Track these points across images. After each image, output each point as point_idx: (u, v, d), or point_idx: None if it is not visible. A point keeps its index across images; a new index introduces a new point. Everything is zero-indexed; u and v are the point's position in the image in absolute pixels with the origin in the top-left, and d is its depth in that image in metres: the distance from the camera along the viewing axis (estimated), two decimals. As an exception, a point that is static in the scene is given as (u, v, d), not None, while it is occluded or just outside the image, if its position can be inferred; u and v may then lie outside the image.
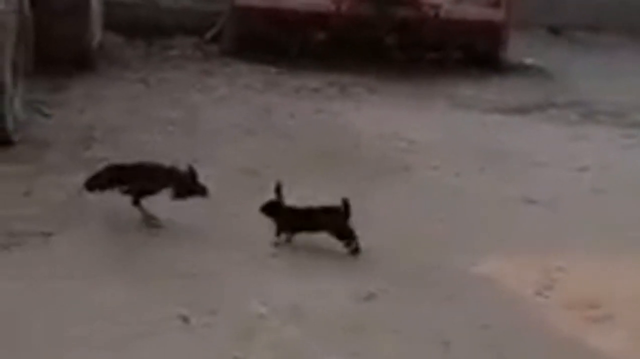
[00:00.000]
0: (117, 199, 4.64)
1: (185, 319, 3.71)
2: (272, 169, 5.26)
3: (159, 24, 7.51)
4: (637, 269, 4.33)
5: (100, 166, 4.67)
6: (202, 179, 4.61)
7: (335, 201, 4.78)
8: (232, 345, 3.57)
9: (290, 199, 4.80)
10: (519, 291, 4.08)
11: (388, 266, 4.24)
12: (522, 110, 6.59)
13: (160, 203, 4.62)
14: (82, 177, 4.69)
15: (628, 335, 3.80)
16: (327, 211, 4.37)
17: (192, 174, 4.55)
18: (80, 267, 4.06)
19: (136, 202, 4.47)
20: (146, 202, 4.50)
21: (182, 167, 4.62)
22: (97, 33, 6.73)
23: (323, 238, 4.37)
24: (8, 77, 5.17)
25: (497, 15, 7.18)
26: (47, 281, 3.91)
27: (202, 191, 4.52)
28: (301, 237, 4.40)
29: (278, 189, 4.43)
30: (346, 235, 4.31)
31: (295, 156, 5.57)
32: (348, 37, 7.13)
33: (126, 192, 4.49)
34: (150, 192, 4.49)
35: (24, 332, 3.58)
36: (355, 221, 4.62)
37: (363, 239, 4.44)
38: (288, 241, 4.35)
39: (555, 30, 8.08)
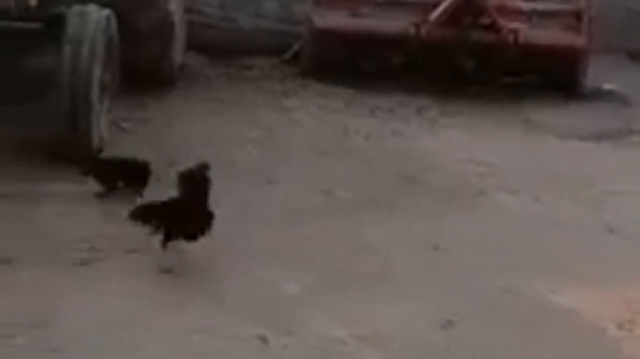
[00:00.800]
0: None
1: (263, 340, 3.76)
2: (348, 191, 5.31)
3: (238, 45, 7.63)
4: None
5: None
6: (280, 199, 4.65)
7: (409, 224, 4.81)
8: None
9: (364, 222, 4.85)
10: (599, 323, 4.02)
11: (466, 292, 4.23)
12: (600, 136, 6.51)
13: (238, 224, 4.70)
14: (164, 195, 4.80)
15: None
16: None
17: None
18: (160, 286, 4.13)
19: None
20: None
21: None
22: (179, 53, 6.88)
23: (396, 264, 4.37)
24: (95, 96, 5.31)
25: (576, 40, 7.12)
26: (127, 299, 3.99)
27: None
28: (378, 259, 4.42)
29: None
30: None
31: (370, 177, 5.60)
32: (426, 60, 7.15)
33: None
34: None
35: (103, 350, 3.65)
36: (432, 245, 4.64)
37: (440, 263, 4.45)
38: None
39: (634, 56, 7.97)
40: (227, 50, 7.55)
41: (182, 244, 4.30)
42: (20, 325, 3.70)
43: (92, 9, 5.25)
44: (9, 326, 3.69)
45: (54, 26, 5.19)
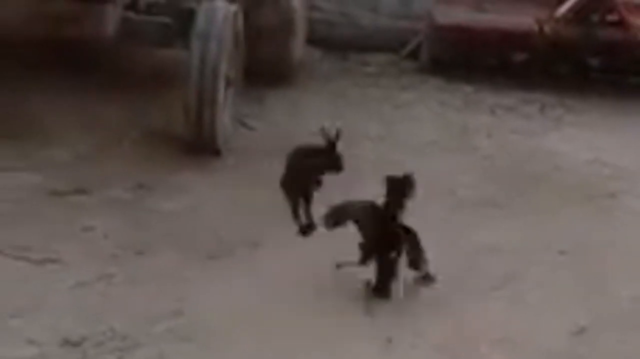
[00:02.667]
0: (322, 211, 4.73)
1: (389, 340, 3.73)
2: (470, 190, 5.22)
3: (356, 40, 7.61)
4: None
5: None
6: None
7: (533, 226, 4.69)
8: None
9: (486, 223, 4.75)
10: None
11: (596, 300, 4.11)
12: None
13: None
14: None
15: None
16: None
17: None
18: (285, 283, 4.15)
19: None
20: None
21: None
22: (299, 49, 6.91)
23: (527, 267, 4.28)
24: (221, 92, 5.37)
25: None
26: (253, 295, 4.01)
27: None
28: (502, 261, 4.33)
29: None
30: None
31: (492, 177, 5.49)
32: (549, 58, 6.98)
33: None
34: None
35: (233, 341, 3.69)
36: (558, 249, 4.52)
37: (566, 268, 4.33)
38: None
39: None
40: (344, 46, 7.54)
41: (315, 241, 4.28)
42: (158, 314, 3.76)
43: (221, 5, 5.31)
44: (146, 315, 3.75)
45: (184, 21, 5.27)
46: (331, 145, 4.62)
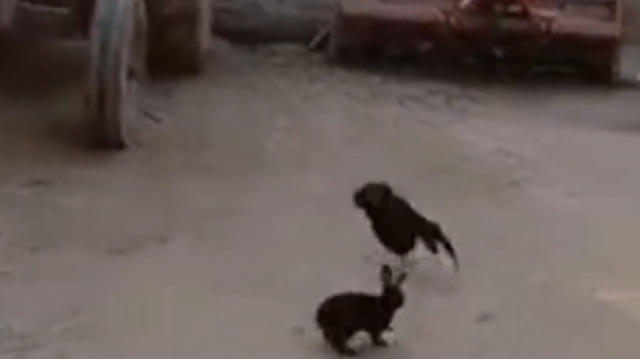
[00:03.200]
0: (230, 205, 4.68)
1: (300, 331, 3.70)
2: (378, 180, 5.23)
3: (264, 31, 7.55)
4: None
5: None
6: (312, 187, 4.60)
7: (441, 215, 4.72)
8: (346, 360, 3.55)
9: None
10: (641, 320, 3.95)
11: (503, 288, 4.16)
12: (633, 128, 6.40)
13: (270, 211, 4.64)
14: (193, 182, 4.77)
15: None
16: None
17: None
18: (195, 275, 4.08)
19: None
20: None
21: None
22: (205, 40, 6.80)
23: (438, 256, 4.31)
24: (123, 82, 5.24)
25: (610, 29, 7.00)
26: (162, 289, 3.94)
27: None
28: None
29: None
30: None
31: (400, 167, 5.52)
32: (455, 48, 7.05)
33: None
34: None
35: (136, 340, 3.61)
36: (467, 238, 4.55)
37: (475, 257, 4.37)
38: None
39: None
40: (252, 37, 7.47)
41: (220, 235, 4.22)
42: (56, 313, 3.65)
43: (122, -6, 5.19)
44: (45, 313, 3.64)
45: (83, 10, 5.12)
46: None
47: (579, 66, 7.09)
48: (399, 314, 3.73)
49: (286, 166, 5.33)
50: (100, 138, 5.16)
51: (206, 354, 3.53)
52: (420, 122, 6.33)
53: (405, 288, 3.77)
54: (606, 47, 6.99)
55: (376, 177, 5.17)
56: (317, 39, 7.51)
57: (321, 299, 3.72)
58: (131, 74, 5.39)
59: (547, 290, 4.13)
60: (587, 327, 3.88)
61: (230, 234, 4.42)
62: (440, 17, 6.97)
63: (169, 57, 6.20)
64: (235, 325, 3.71)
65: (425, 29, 7.04)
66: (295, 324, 3.73)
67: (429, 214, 4.74)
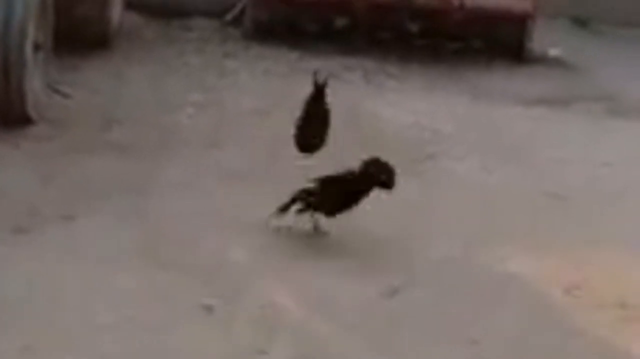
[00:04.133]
0: (140, 182, 4.59)
1: (209, 309, 3.65)
2: (294, 154, 5.20)
3: (178, 6, 7.42)
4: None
5: None
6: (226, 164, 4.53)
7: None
8: (255, 337, 3.51)
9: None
10: (547, 290, 4.01)
11: (412, 260, 4.17)
12: (546, 103, 6.49)
13: (182, 189, 4.57)
14: (103, 159, 4.65)
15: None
16: None
17: None
18: (102, 253, 3.99)
19: None
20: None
21: None
22: (117, 13, 6.65)
23: (345, 228, 4.30)
24: (29, 57, 5.10)
25: (523, 5, 7.07)
26: (69, 266, 3.84)
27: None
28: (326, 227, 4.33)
29: None
30: None
31: (316, 142, 5.49)
32: (370, 23, 7.04)
33: None
34: None
35: (44, 318, 3.52)
36: (381, 211, 4.56)
37: (387, 229, 4.37)
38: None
39: (581, 22, 7.96)
40: (166, 11, 7.33)
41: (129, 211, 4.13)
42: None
43: (26, -35, 5.02)
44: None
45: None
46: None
47: (492, 41, 7.16)
48: (302, 291, 3.73)
49: (199, 143, 5.25)
50: (5, 112, 5.01)
51: (112, 334, 3.46)
52: (336, 97, 6.31)
53: (313, 265, 3.77)
54: (519, 23, 7.06)
55: (291, 153, 5.16)
56: (232, 13, 7.41)
57: (229, 276, 3.69)
58: (37, 47, 5.24)
59: (456, 263, 4.16)
60: (491, 296, 3.93)
61: (138, 212, 4.33)
62: (355, -9, 6.96)
63: (78, 31, 6.05)
64: (141, 303, 3.64)
65: (340, 4, 7.01)
66: (203, 302, 3.67)
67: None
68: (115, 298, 3.66)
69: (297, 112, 5.30)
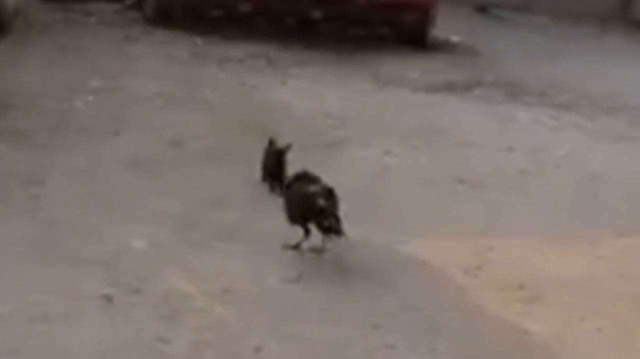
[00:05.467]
0: (37, 169, 4.46)
1: (108, 299, 3.57)
2: (197, 143, 5.13)
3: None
4: (565, 250, 4.36)
5: None
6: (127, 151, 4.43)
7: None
8: (157, 326, 3.45)
9: (215, 175, 4.69)
10: (448, 271, 4.06)
11: (314, 244, 4.15)
12: (448, 88, 6.57)
13: (83, 177, 4.46)
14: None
15: (556, 316, 3.81)
16: None
17: None
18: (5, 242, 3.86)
19: None
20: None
21: None
22: (13, -4, 6.45)
23: (251, 218, 4.26)
24: None
25: (425, -8, 7.15)
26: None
27: None
28: (230, 213, 4.29)
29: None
30: None
31: (221, 129, 5.44)
32: (273, 9, 7.00)
33: None
34: None
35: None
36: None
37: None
38: None
39: (482, 9, 8.10)
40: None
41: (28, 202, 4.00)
42: None
43: None
44: None
45: None
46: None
47: (395, 28, 7.21)
48: (204, 279, 3.67)
49: (98, 129, 5.13)
50: None
51: (12, 327, 3.34)
52: (240, 84, 6.26)
53: (216, 253, 3.72)
54: (421, 9, 7.13)
55: (194, 140, 5.08)
56: (134, -3, 7.28)
57: (131, 266, 3.61)
58: None
59: (358, 245, 4.17)
60: (393, 278, 3.95)
61: (35, 201, 4.20)
62: (256, -24, 6.90)
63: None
64: (41, 294, 3.53)
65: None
66: (103, 292, 3.59)
67: (249, 175, 4.71)
68: (14, 289, 3.54)
69: (198, 96, 5.22)
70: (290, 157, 5.03)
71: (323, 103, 5.98)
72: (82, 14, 7.09)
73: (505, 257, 4.23)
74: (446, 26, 7.31)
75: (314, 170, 4.93)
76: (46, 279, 3.63)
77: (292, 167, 4.88)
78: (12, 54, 6.09)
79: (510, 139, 5.72)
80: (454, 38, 7.43)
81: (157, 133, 5.21)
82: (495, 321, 3.75)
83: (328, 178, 4.85)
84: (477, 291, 3.94)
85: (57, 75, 5.87)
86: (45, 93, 5.53)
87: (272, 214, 4.28)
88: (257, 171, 4.75)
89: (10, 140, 4.82)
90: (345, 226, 4.15)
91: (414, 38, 7.17)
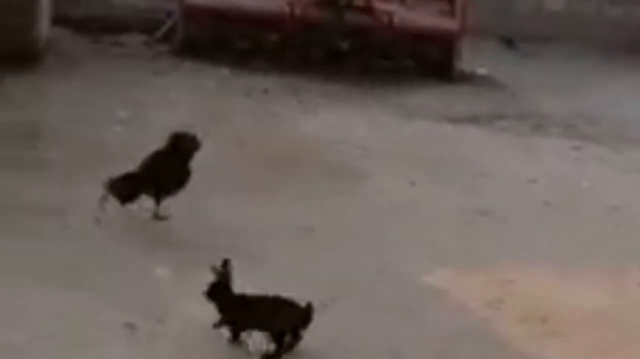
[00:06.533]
0: (61, 200, 4.52)
1: (131, 328, 3.60)
2: (225, 173, 5.18)
3: (108, 21, 7.36)
4: (586, 282, 4.35)
5: None
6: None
7: (286, 207, 4.73)
8: (179, 356, 3.48)
9: (241, 205, 4.74)
10: (470, 303, 4.06)
11: (341, 275, 4.19)
12: (473, 120, 6.59)
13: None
14: (27, 177, 4.57)
15: (578, 350, 3.80)
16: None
17: None
18: (24, 268, 3.92)
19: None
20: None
21: None
22: (44, 27, 6.57)
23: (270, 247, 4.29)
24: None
25: (451, 24, 7.18)
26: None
27: None
28: (254, 241, 4.32)
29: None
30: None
31: (247, 159, 5.49)
32: (301, 40, 7.08)
33: None
34: None
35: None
36: (308, 228, 4.57)
37: (315, 246, 4.38)
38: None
39: (508, 41, 8.11)
40: (96, 27, 7.27)
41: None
42: None
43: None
44: None
45: None
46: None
47: (421, 60, 7.25)
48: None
49: (125, 160, 5.19)
50: None
51: (34, 354, 3.39)
52: (267, 114, 6.32)
53: (240, 275, 3.74)
54: (446, 42, 7.17)
55: (222, 171, 5.13)
56: (162, 30, 7.38)
57: (148, 294, 3.64)
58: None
59: (382, 276, 4.19)
60: (415, 309, 3.96)
61: (58, 231, 4.27)
62: (285, 8, 6.97)
63: (4, 44, 5.95)
64: (63, 322, 3.57)
65: (270, 21, 7.03)
66: (125, 320, 3.63)
67: (275, 205, 4.75)
68: (35, 316, 3.59)
69: (225, 127, 5.28)
70: (316, 186, 5.09)
71: (348, 134, 6.02)
72: (112, 46, 7.19)
73: (527, 290, 4.22)
74: (472, 58, 7.34)
75: (336, 199, 4.99)
76: (68, 305, 3.66)
77: (317, 195, 4.92)
78: (42, 84, 6.19)
79: (534, 170, 5.72)
80: (481, 71, 7.45)
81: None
82: (517, 354, 3.74)
83: (350, 207, 4.91)
84: (499, 324, 3.93)
85: (86, 106, 5.96)
86: (73, 124, 5.61)
87: (291, 243, 4.31)
88: (280, 200, 4.80)
89: (38, 170, 4.90)
90: (368, 254, 4.19)
91: (440, 71, 7.20)
